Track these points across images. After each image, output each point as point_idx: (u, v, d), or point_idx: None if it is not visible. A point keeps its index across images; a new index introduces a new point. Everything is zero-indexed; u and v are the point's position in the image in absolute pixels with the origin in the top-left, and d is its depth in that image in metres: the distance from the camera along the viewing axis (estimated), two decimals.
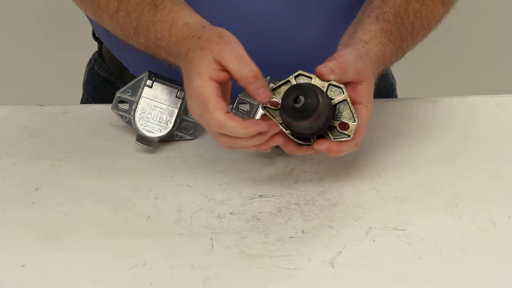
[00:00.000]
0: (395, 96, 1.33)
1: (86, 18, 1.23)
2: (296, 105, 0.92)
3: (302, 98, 0.92)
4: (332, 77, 0.96)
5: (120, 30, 1.06)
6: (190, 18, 1.00)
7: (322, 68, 0.96)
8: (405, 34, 1.05)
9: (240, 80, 0.95)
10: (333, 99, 0.96)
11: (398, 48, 1.04)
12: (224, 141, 0.97)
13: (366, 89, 0.97)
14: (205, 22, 1.00)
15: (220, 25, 1.00)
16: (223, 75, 0.95)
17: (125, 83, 1.11)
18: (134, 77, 1.12)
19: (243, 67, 0.94)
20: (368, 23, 1.03)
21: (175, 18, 1.00)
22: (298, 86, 0.95)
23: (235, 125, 0.94)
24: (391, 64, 1.06)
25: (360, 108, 0.97)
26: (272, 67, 1.06)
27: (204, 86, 0.94)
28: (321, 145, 0.96)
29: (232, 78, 0.96)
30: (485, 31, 2.55)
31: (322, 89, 0.96)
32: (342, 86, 0.96)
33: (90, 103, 1.31)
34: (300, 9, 1.13)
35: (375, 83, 1.01)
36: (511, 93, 1.21)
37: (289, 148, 0.98)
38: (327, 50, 1.12)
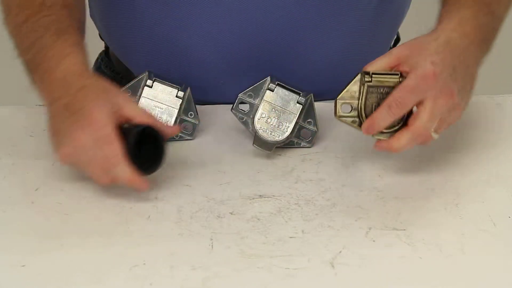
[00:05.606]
0: None
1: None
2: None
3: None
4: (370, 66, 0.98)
5: (18, 40, 1.07)
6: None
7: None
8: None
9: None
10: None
11: (488, 14, 1.04)
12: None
13: (411, 82, 0.96)
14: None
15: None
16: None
17: None
18: None
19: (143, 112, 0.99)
20: (443, 11, 1.03)
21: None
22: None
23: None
24: (492, 31, 1.08)
25: (425, 102, 0.97)
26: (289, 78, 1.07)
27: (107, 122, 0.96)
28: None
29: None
30: None
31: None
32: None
33: None
34: (320, 21, 1.13)
35: (465, 65, 1.01)
36: (511, 93, 1.21)
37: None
38: (350, 62, 1.12)
